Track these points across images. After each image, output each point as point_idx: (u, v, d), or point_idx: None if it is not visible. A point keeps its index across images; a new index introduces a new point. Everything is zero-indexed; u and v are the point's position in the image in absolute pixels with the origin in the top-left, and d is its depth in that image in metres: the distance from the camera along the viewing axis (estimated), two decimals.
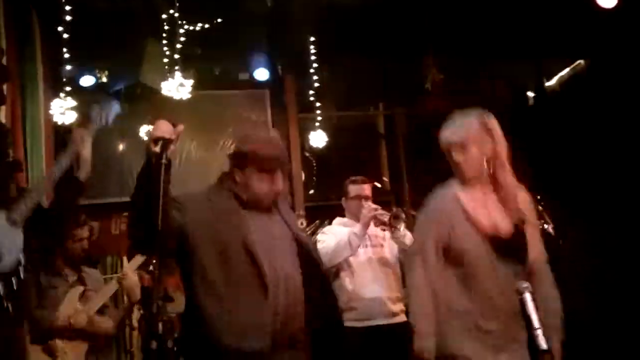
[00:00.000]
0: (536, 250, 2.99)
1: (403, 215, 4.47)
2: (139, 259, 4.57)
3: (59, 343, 4.15)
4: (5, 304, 3.04)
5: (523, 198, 3.06)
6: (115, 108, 3.57)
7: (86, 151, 3.28)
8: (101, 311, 4.50)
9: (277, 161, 2.91)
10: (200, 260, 2.79)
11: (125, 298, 4.74)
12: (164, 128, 2.62)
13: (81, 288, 4.41)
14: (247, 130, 3.20)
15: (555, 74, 7.82)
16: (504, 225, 2.96)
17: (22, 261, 3.12)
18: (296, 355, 2.90)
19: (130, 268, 4.59)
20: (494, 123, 3.04)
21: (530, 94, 7.92)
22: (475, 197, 3.02)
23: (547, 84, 7.84)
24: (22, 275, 3.11)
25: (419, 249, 3.09)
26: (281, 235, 2.97)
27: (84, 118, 3.47)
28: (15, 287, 3.06)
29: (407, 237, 4.47)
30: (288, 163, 3.03)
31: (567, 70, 7.64)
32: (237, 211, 2.89)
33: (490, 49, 7.11)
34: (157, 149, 2.57)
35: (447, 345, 2.96)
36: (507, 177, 3.02)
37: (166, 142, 2.58)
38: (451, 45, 7.04)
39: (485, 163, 3.00)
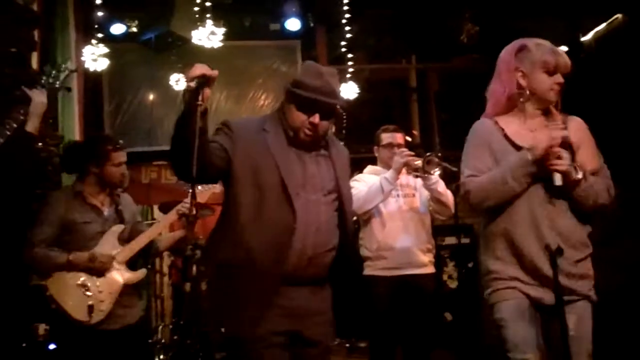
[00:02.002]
0: (590, 163, 2.91)
1: (436, 160, 4.40)
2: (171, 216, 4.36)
3: (94, 280, 3.90)
4: None
5: (575, 124, 3.00)
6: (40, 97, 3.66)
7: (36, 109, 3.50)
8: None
9: (315, 102, 2.76)
10: (237, 189, 2.79)
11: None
12: (202, 68, 2.57)
13: (121, 227, 4.08)
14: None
15: (591, 29, 7.60)
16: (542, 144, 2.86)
17: None
18: (316, 291, 2.87)
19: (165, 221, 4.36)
20: None
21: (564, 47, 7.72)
22: (514, 121, 2.99)
23: (583, 39, 7.64)
24: None
25: (467, 172, 3.00)
26: (323, 177, 2.89)
27: None
28: None
29: (440, 184, 4.44)
30: (333, 107, 2.83)
31: (603, 25, 7.42)
32: (282, 147, 2.83)
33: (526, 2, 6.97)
34: (193, 84, 2.53)
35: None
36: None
37: (203, 81, 2.55)
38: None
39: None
